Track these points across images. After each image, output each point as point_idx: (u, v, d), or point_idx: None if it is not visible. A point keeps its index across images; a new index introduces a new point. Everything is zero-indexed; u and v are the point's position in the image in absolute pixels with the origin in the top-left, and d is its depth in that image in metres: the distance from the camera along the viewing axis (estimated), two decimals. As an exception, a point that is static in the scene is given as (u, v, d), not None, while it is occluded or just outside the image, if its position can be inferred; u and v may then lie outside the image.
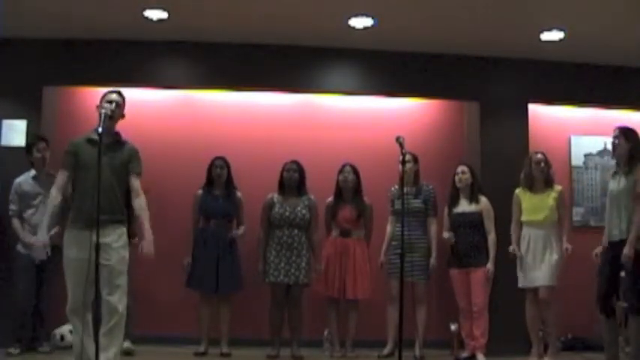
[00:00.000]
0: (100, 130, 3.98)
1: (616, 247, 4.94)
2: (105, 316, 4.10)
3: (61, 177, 4.24)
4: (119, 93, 4.34)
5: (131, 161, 4.25)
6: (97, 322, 4.07)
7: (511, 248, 5.71)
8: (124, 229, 4.20)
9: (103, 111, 4.13)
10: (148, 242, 4.15)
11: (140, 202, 4.21)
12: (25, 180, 5.81)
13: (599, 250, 5.20)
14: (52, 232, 5.65)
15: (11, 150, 6.18)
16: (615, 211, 5.00)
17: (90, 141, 4.20)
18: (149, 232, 4.17)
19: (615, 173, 5.13)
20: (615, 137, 5.07)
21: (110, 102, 4.25)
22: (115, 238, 4.12)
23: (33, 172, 5.82)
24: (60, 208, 5.57)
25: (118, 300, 4.09)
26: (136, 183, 4.23)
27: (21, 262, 5.70)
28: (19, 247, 5.74)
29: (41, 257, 5.64)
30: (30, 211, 5.76)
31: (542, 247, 5.63)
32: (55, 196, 4.21)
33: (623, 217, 4.94)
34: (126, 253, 4.18)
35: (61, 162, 4.28)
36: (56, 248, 5.67)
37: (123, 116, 4.34)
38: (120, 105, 4.29)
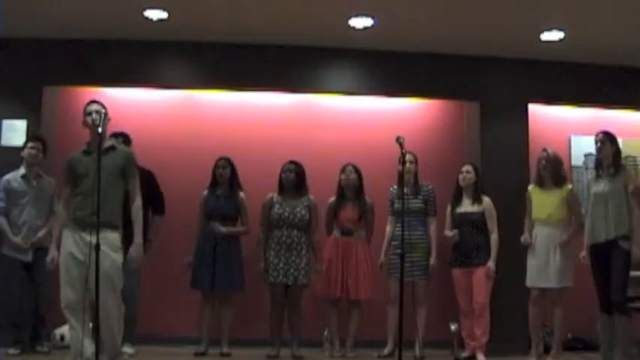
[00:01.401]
0: (99, 130, 4.19)
1: (602, 247, 5.10)
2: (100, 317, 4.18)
3: (66, 193, 4.43)
4: (98, 102, 4.52)
5: (126, 166, 4.39)
6: (95, 322, 4.12)
7: (523, 238, 5.73)
8: (117, 234, 4.31)
9: (96, 117, 4.32)
10: (135, 246, 4.39)
11: (136, 207, 4.39)
12: (13, 178, 5.71)
13: (584, 253, 5.34)
14: (40, 234, 5.66)
15: (11, 150, 6.17)
16: (601, 213, 5.14)
17: (85, 152, 4.41)
18: (138, 236, 4.39)
19: (599, 176, 5.31)
20: (600, 141, 5.30)
21: (90, 113, 4.41)
22: (107, 242, 4.16)
23: (23, 170, 5.73)
24: (50, 210, 5.63)
25: (110, 301, 4.15)
26: (131, 187, 4.40)
27: (8, 264, 5.61)
28: (5, 249, 5.64)
29: (26, 259, 5.62)
30: (16, 211, 5.67)
31: (546, 246, 5.62)
32: (61, 213, 4.43)
33: (609, 219, 5.09)
34: (118, 257, 4.28)
35: (63, 179, 4.48)
36: (43, 250, 5.64)
37: (109, 120, 4.49)
38: (106, 113, 4.43)
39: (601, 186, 5.22)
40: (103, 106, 4.46)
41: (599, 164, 5.36)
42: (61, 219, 4.41)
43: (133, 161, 4.46)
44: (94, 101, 4.53)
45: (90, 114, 4.38)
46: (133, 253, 4.38)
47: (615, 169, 5.21)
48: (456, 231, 5.91)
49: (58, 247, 4.32)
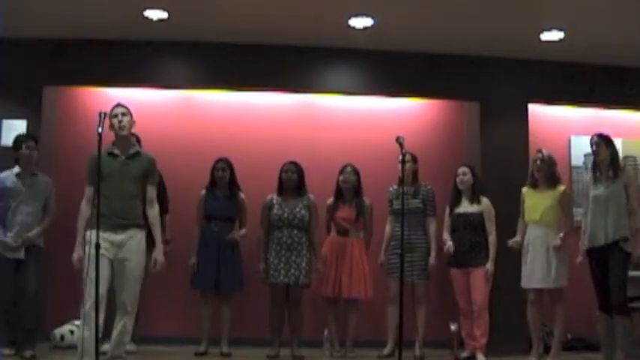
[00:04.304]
0: (99, 130, 4.14)
1: (600, 251, 5.09)
2: (117, 313, 4.45)
3: (88, 192, 4.54)
4: (123, 105, 4.63)
5: (150, 172, 4.62)
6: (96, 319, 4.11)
7: (511, 241, 5.72)
8: (143, 233, 4.54)
9: (122, 119, 4.51)
10: (159, 250, 4.60)
11: (154, 212, 4.62)
12: (7, 176, 5.61)
13: (581, 258, 5.32)
14: (32, 232, 5.59)
15: (12, 150, 6.16)
16: (600, 216, 5.12)
17: (111, 154, 4.52)
18: (160, 241, 4.62)
19: (597, 179, 5.27)
20: (596, 144, 5.25)
21: (116, 116, 4.54)
22: (136, 241, 4.46)
23: (17, 169, 5.63)
24: (42, 210, 5.60)
25: (130, 300, 4.43)
26: (151, 192, 4.63)
27: (1, 263, 5.46)
28: (0, 249, 5.51)
29: (18, 256, 5.50)
30: (10, 209, 5.54)
31: (540, 247, 5.62)
32: (85, 210, 4.54)
33: (608, 222, 5.08)
34: (143, 256, 4.53)
35: (86, 178, 4.56)
36: (35, 247, 5.57)
37: (134, 122, 4.65)
38: (127, 114, 4.58)
39: (600, 189, 5.19)
40: (128, 110, 4.60)
41: (596, 167, 5.31)
42: (85, 217, 4.49)
43: (156, 168, 4.69)
44: (119, 104, 4.63)
45: (116, 116, 4.53)
46: (158, 258, 4.57)
47: (614, 172, 5.18)
48: (450, 244, 5.89)
49: (84, 246, 4.40)
